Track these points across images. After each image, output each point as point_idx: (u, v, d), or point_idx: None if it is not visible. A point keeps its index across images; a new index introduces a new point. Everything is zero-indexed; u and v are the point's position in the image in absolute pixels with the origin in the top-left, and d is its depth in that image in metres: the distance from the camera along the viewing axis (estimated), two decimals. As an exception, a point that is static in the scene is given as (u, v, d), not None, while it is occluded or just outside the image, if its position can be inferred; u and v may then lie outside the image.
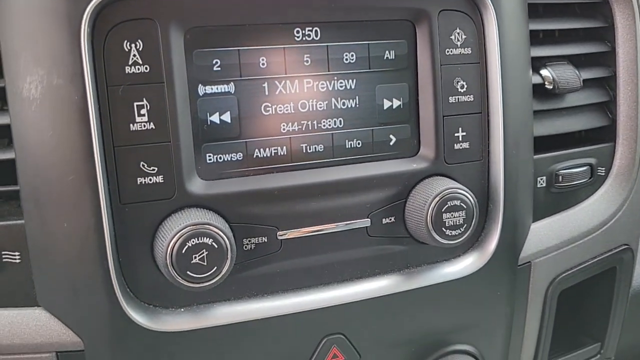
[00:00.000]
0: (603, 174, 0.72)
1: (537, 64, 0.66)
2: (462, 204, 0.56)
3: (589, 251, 0.71)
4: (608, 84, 0.72)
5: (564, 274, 0.69)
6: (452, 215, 0.56)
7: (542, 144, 0.68)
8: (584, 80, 0.69)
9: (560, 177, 0.68)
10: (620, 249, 0.73)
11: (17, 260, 0.50)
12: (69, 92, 0.47)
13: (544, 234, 0.67)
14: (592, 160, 0.71)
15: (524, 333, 0.70)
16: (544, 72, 0.66)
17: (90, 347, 0.51)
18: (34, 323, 0.51)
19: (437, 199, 0.56)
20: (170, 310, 0.52)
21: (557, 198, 0.69)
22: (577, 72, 0.67)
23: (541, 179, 0.67)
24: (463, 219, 0.56)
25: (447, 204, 0.56)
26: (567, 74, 0.67)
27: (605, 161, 0.72)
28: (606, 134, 0.72)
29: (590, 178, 0.70)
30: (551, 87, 0.66)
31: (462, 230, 0.57)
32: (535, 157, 0.66)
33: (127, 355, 0.51)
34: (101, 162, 0.48)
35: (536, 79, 0.66)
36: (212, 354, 0.53)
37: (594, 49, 0.70)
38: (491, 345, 0.66)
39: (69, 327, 0.51)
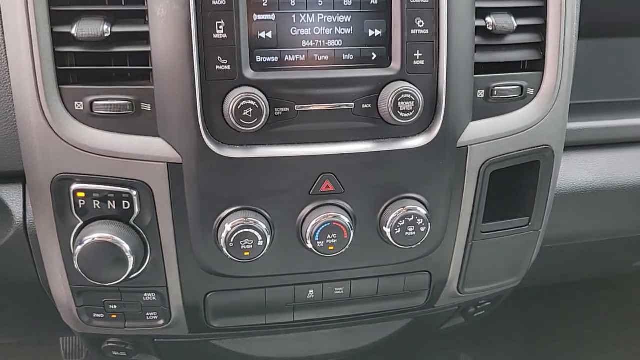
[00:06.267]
0: (532, 94, 1.00)
1: (484, 12, 0.96)
2: (411, 97, 0.88)
3: (515, 145, 1.00)
4: (541, 30, 1.01)
5: (494, 158, 0.99)
6: (404, 103, 0.88)
7: (488, 70, 0.99)
8: (522, 26, 0.98)
9: (496, 91, 0.97)
10: (542, 147, 1.03)
11: (149, 109, 0.87)
12: (181, 13, 0.82)
13: (480, 129, 0.97)
14: (523, 83, 0.99)
15: (462, 199, 1.02)
16: (488, 18, 0.95)
17: (185, 162, 0.88)
18: (156, 146, 0.87)
19: (396, 92, 0.88)
20: (231, 146, 0.88)
21: (494, 107, 0.98)
22: (512, 19, 0.96)
23: (480, 92, 0.96)
24: (412, 106, 0.88)
25: (401, 96, 0.88)
26: (504, 20, 0.96)
27: (534, 84, 1.00)
28: (537, 66, 1.02)
29: (521, 95, 1.00)
30: (491, 28, 0.96)
31: (411, 114, 0.89)
32: (476, 76, 0.96)
33: (204, 167, 0.88)
34: (196, 55, 0.84)
35: (481, 23, 0.96)
36: (252, 175, 0.89)
37: (531, 4, 0.99)
38: (436, 202, 0.98)
39: (175, 150, 0.88)
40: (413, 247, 0.97)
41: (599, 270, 1.61)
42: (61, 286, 0.99)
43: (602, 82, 1.36)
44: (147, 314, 1.02)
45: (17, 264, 1.04)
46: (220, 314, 1.05)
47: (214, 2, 0.83)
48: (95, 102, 0.86)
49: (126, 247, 0.90)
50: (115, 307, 1.00)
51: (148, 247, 0.94)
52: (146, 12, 0.84)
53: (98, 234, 0.89)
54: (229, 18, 0.84)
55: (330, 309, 1.09)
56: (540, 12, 0.99)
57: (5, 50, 0.88)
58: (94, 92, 0.86)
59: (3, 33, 0.88)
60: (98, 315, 1.01)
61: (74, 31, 0.83)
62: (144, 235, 0.93)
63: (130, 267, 0.90)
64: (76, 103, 0.86)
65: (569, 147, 1.17)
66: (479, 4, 0.93)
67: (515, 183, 1.09)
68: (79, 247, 0.88)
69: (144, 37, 0.85)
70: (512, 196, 1.11)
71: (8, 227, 1.00)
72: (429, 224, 0.95)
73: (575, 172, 1.20)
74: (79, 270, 0.90)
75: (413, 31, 0.89)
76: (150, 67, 0.86)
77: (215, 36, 0.84)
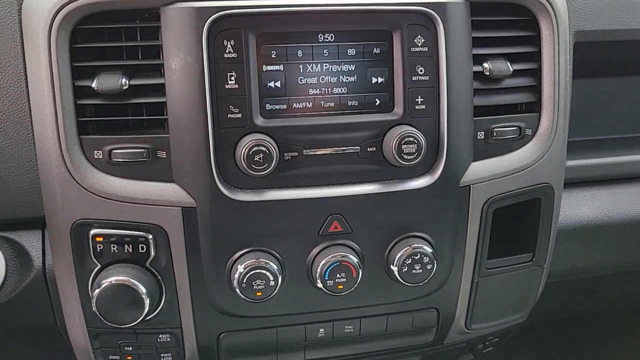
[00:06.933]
0: (530, 134, 1.05)
1: (481, 59, 1.01)
2: (414, 140, 0.92)
3: (516, 183, 1.04)
4: (536, 73, 1.05)
5: (496, 196, 1.03)
6: (408, 146, 0.92)
7: (487, 112, 1.03)
8: (517, 71, 1.02)
9: (495, 132, 1.01)
10: (542, 185, 1.06)
11: (164, 156, 0.91)
12: (195, 66, 0.87)
13: (481, 168, 1.01)
14: (521, 124, 1.03)
15: (467, 236, 1.04)
16: (485, 64, 1.00)
17: (199, 206, 0.92)
18: (171, 191, 0.91)
19: (399, 136, 0.93)
20: (243, 190, 0.92)
21: (494, 147, 1.02)
22: (508, 64, 1.01)
23: (480, 133, 1.01)
24: (415, 149, 0.92)
25: (404, 139, 0.92)
26: (500, 65, 1.01)
27: (532, 125, 1.04)
28: (534, 107, 1.06)
29: (519, 135, 1.04)
30: (488, 74, 1.01)
31: (414, 156, 0.93)
32: (476, 118, 1.00)
33: (217, 210, 0.92)
34: (209, 105, 0.88)
35: (478, 69, 1.00)
36: (264, 217, 0.93)
37: (526, 50, 1.04)
38: (441, 240, 1.01)
39: (189, 194, 0.92)
40: (420, 284, 1.00)
41: (605, 304, 1.62)
42: (78, 329, 1.01)
43: (599, 120, 1.40)
44: (162, 355, 1.04)
45: (36, 308, 1.07)
46: (233, 354, 1.07)
47: (225, 55, 0.88)
48: (114, 151, 0.90)
49: (142, 289, 0.92)
50: (130, 348, 1.03)
51: (163, 289, 0.97)
52: (162, 66, 0.90)
53: (115, 277, 0.92)
54: (240, 69, 0.89)
55: (341, 347, 1.11)
56: (535, 57, 1.04)
57: (29, 103, 0.93)
58: (112, 141, 0.91)
59: (27, 87, 0.93)
60: (114, 357, 1.03)
61: (94, 85, 0.89)
62: (159, 278, 0.96)
63: (146, 309, 0.93)
64: (95, 152, 0.91)
65: (569, 184, 1.20)
66: (475, 51, 0.98)
67: (518, 220, 1.12)
68: (97, 290, 0.92)
69: (160, 89, 0.91)
70: (516, 233, 1.14)
71: (28, 271, 1.03)
72: (435, 261, 0.98)
73: (576, 208, 1.23)
74: (97, 312, 0.92)
75: (414, 78, 0.94)
76: (165, 117, 0.91)
77: (227, 86, 0.89)
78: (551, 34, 1.02)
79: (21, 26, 0.92)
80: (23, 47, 0.92)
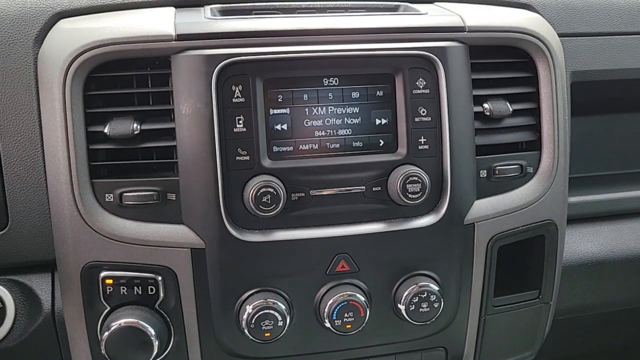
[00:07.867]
0: (531, 172, 1.07)
1: (481, 99, 1.04)
2: (418, 179, 0.94)
3: (520, 221, 1.05)
4: (535, 113, 1.08)
5: (500, 234, 1.04)
6: (412, 185, 0.94)
7: (489, 151, 1.06)
8: (517, 110, 1.05)
9: (497, 171, 1.04)
10: (545, 222, 1.08)
11: (174, 199, 0.93)
12: (204, 111, 0.90)
13: (484, 206, 1.03)
14: (523, 162, 1.06)
15: (473, 274, 1.05)
16: (485, 105, 1.03)
17: (208, 247, 0.93)
18: (180, 232, 0.93)
19: (404, 176, 0.95)
20: (251, 231, 0.94)
21: (496, 185, 1.04)
22: (508, 104, 1.04)
23: (483, 172, 1.03)
24: (419, 188, 0.94)
25: (409, 179, 0.95)
26: (500, 106, 1.04)
27: (533, 163, 1.07)
28: (535, 146, 1.08)
29: (521, 173, 1.06)
30: (489, 114, 1.04)
31: (419, 195, 0.95)
32: (478, 157, 1.03)
33: (225, 251, 0.93)
34: (218, 148, 0.91)
35: (479, 109, 1.03)
36: (272, 257, 0.95)
37: (524, 90, 1.07)
38: (448, 278, 1.02)
39: (198, 236, 0.93)
40: (428, 323, 1.00)
41: (614, 341, 1.61)
42: (86, 372, 1.01)
43: (599, 156, 1.43)
44: (170, 398, 1.04)
45: (44, 352, 1.07)
46: (242, 396, 1.07)
47: (234, 100, 0.91)
48: (125, 194, 0.92)
49: (151, 331, 0.93)
50: None
51: (172, 331, 0.97)
52: (172, 111, 0.93)
53: (125, 319, 0.92)
54: (248, 113, 0.91)
55: (349, 387, 1.10)
56: (533, 97, 1.07)
57: (43, 149, 0.95)
58: (123, 184, 0.93)
59: (41, 133, 0.96)
60: (122, 401, 1.03)
61: (106, 130, 0.91)
62: (168, 319, 0.97)
63: (155, 351, 0.93)
64: (107, 195, 0.93)
65: (573, 220, 1.22)
66: (476, 92, 1.01)
67: (523, 257, 1.13)
68: (106, 333, 0.92)
69: (170, 133, 0.93)
70: (521, 270, 1.14)
71: (37, 315, 1.04)
72: (442, 299, 0.99)
73: (580, 244, 1.24)
74: (106, 355, 0.93)
75: (417, 119, 0.97)
76: (175, 160, 0.93)
77: (235, 130, 0.91)
78: (548, 74, 1.05)
79: (36, 75, 0.96)
80: (38, 95, 0.96)
